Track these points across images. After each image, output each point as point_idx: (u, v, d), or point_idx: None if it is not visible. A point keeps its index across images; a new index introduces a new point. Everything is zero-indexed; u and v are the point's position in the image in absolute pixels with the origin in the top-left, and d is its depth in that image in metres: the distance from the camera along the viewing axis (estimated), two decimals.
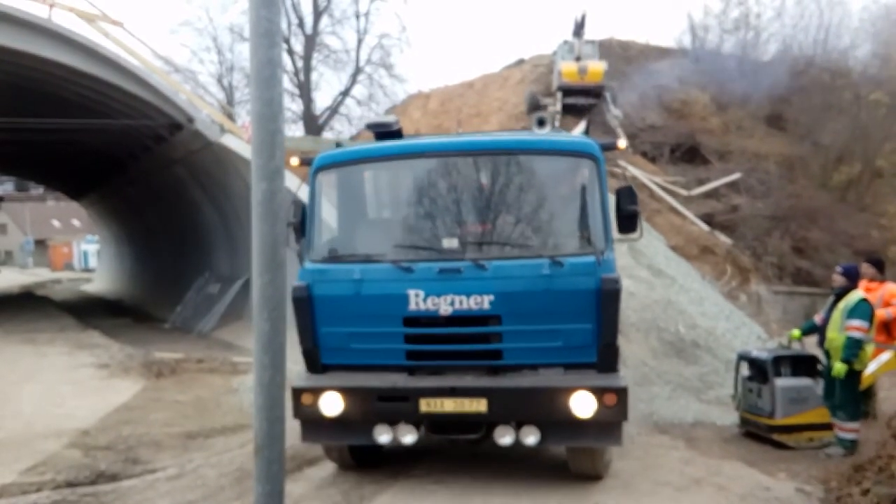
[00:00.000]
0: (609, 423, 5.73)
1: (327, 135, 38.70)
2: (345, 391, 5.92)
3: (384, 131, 6.66)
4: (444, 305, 5.78)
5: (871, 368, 7.53)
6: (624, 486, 6.29)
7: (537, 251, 5.90)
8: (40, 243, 61.28)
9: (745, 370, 7.99)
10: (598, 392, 5.63)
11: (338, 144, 6.94)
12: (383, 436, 5.96)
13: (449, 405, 5.77)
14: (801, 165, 24.83)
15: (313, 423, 6.11)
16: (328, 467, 6.95)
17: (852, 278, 7.38)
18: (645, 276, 12.73)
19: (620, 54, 30.19)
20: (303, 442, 6.35)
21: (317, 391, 5.98)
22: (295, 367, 10.85)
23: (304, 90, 39.67)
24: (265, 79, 2.50)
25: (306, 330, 6.09)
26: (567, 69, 24.73)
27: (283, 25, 37.96)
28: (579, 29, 26.15)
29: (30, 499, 6.12)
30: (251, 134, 2.55)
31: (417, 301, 5.81)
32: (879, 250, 18.29)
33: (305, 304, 6.02)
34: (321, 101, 44.25)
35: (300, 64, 39.37)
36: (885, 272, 8.50)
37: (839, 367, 7.03)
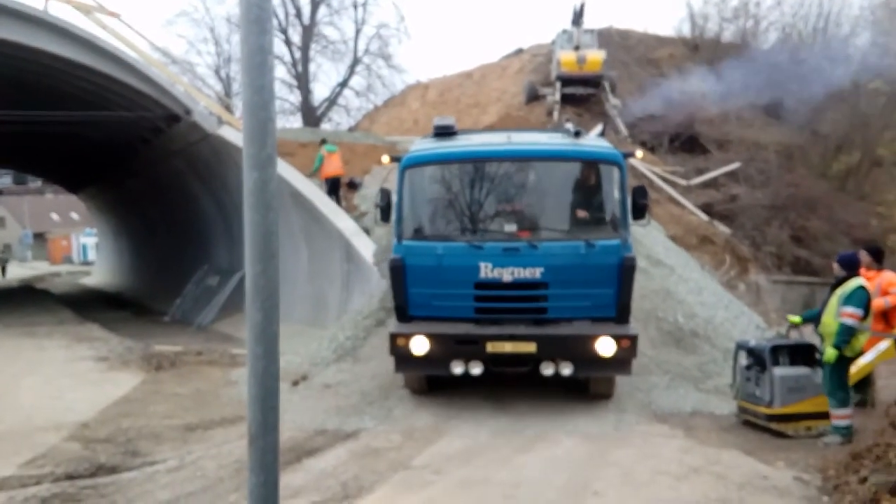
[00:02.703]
0: (623, 360, 7.89)
1: (326, 126, 38.62)
2: (430, 336, 7.88)
3: (443, 132, 8.62)
4: (506, 274, 7.81)
5: (869, 357, 7.52)
6: (623, 475, 6.31)
7: (575, 235, 7.93)
8: (39, 236, 61.30)
9: (743, 359, 7.98)
10: (617, 338, 7.74)
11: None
12: (458, 368, 7.96)
13: (508, 347, 7.82)
14: (800, 155, 24.78)
15: (404, 359, 8.06)
16: (327, 458, 6.97)
17: (851, 266, 7.36)
18: (644, 265, 12.69)
19: (620, 43, 30.11)
20: (395, 372, 8.45)
21: (408, 335, 7.90)
22: (294, 357, 10.87)
23: (302, 81, 39.54)
24: (256, 66, 2.47)
25: (399, 291, 8.10)
26: (566, 58, 24.64)
27: (281, 16, 37.80)
28: (578, 18, 26.04)
29: (29, 491, 6.11)
30: (243, 121, 2.53)
31: (486, 271, 7.82)
32: (878, 239, 18.29)
33: (399, 271, 8.03)
34: (319, 92, 44.18)
35: (298, 55, 39.23)
36: (884, 261, 8.49)
37: (829, 353, 7.10)
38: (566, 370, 7.88)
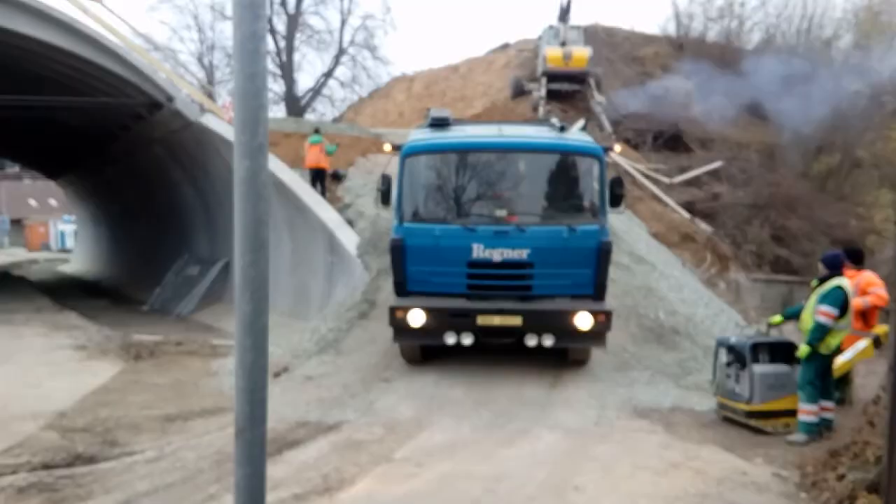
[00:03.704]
0: (599, 333, 8.72)
1: (310, 116, 38.37)
2: (426, 309, 8.62)
3: (439, 122, 9.38)
4: (496, 255, 8.60)
5: (847, 356, 7.62)
6: (604, 469, 6.35)
7: (558, 220, 8.76)
8: (16, 223, 60.31)
9: (723, 356, 8.04)
10: (594, 313, 8.59)
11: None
12: (451, 339, 8.68)
13: (496, 320, 8.62)
14: (781, 154, 24.99)
15: (402, 330, 8.80)
16: (309, 450, 6.94)
17: (834, 266, 7.45)
18: (626, 262, 12.77)
19: (605, 40, 30.14)
20: (393, 342, 9.11)
21: (406, 308, 8.65)
22: (276, 349, 10.81)
23: (287, 71, 39.25)
24: (249, 52, 2.44)
25: (399, 268, 8.85)
26: (552, 54, 24.62)
27: (266, 2, 37.45)
28: (565, 14, 26.01)
29: (5, 481, 6.03)
30: (234, 110, 2.49)
31: (478, 251, 8.60)
32: (858, 239, 18.48)
33: (399, 250, 8.78)
34: (304, 82, 43.78)
35: (282, 44, 38.94)
36: (864, 262, 8.59)
37: (803, 349, 7.23)
38: (548, 341, 8.69)
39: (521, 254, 8.58)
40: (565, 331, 8.63)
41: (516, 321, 8.61)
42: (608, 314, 8.66)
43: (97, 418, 7.93)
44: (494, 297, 8.71)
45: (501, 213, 8.77)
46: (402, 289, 8.92)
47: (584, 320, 8.54)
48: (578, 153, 8.97)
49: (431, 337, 8.76)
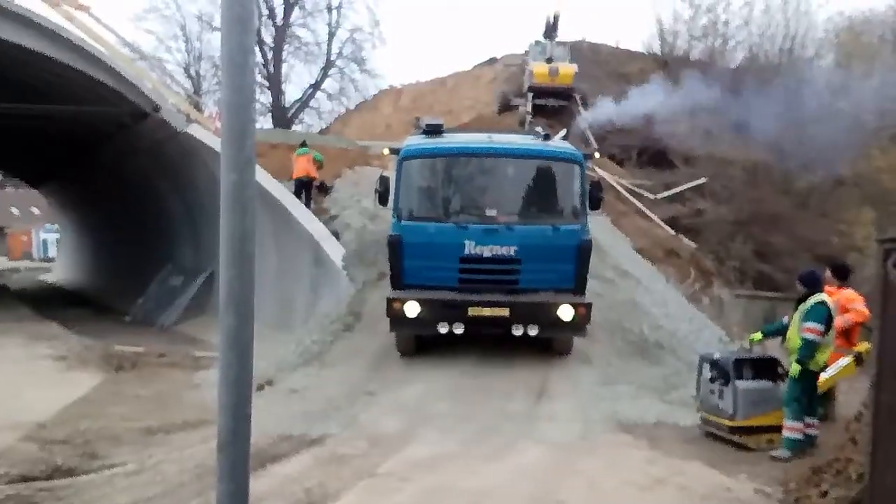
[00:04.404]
0: (580, 324, 9.47)
1: (297, 128, 38.32)
2: (421, 300, 9.30)
3: (432, 129, 10.13)
4: (486, 251, 9.31)
5: (829, 373, 7.66)
6: (589, 485, 6.33)
7: (543, 220, 9.56)
8: None
9: (707, 372, 8.05)
10: (575, 305, 9.36)
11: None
12: (443, 328, 9.32)
13: (486, 311, 9.31)
14: (764, 171, 25.21)
15: (398, 320, 9.46)
16: (292, 464, 6.88)
17: (811, 284, 7.50)
18: (611, 276, 12.83)
19: (591, 57, 30.38)
20: (390, 332, 9.76)
21: (402, 300, 9.34)
22: (259, 361, 10.72)
23: (274, 82, 39.20)
24: (238, 65, 2.43)
25: (396, 262, 9.52)
26: (538, 70, 24.77)
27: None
28: (551, 31, 26.21)
29: None
30: (221, 122, 2.48)
31: (470, 248, 9.30)
32: (839, 256, 18.64)
33: (397, 246, 9.47)
34: (291, 93, 43.57)
35: (270, 55, 38.89)
36: (849, 278, 8.64)
37: (793, 368, 7.24)
38: (533, 331, 9.39)
39: (509, 250, 9.31)
40: (549, 322, 9.34)
41: (504, 312, 9.30)
42: (588, 306, 9.45)
43: (77, 430, 7.82)
44: (484, 290, 9.40)
45: (491, 212, 9.51)
46: (398, 282, 9.58)
47: (566, 312, 9.32)
48: (561, 159, 9.78)
49: (426, 327, 9.41)
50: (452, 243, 9.31)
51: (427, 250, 9.38)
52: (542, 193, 9.96)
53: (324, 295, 12.80)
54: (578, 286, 9.53)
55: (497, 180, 9.77)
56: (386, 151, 10.55)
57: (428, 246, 9.37)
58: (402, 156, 9.62)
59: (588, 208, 9.60)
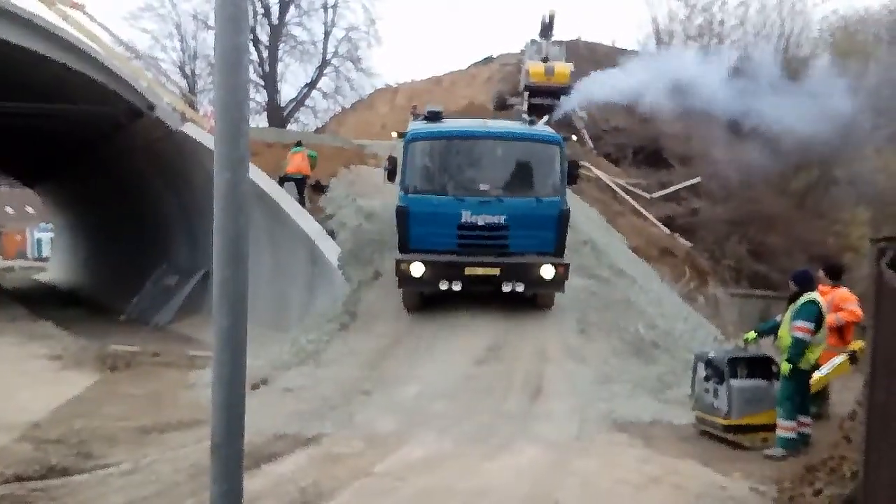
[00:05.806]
0: (559, 281, 10.97)
1: (292, 127, 38.21)
2: (425, 262, 10.70)
3: (433, 116, 11.59)
4: (480, 220, 10.81)
5: (823, 371, 7.69)
6: (585, 484, 6.34)
7: (528, 193, 11.11)
8: None
9: (702, 371, 8.08)
10: (555, 265, 10.86)
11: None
12: (444, 285, 10.74)
13: (480, 271, 10.78)
14: (760, 171, 25.24)
15: (405, 279, 10.82)
16: (286, 463, 6.87)
17: (803, 283, 7.52)
18: (606, 275, 12.84)
19: (587, 56, 30.35)
20: (398, 288, 11.15)
21: (409, 262, 10.73)
22: (254, 360, 10.72)
23: (270, 81, 39.08)
24: (231, 65, 2.42)
25: (403, 230, 10.98)
26: (534, 69, 24.73)
27: (249, 13, 37.34)
28: (547, 30, 26.18)
29: None
30: (215, 121, 2.47)
31: (466, 217, 10.80)
32: (835, 256, 18.68)
33: (404, 216, 10.95)
34: (286, 92, 43.40)
35: (266, 54, 38.76)
36: (841, 278, 8.67)
37: (784, 366, 7.27)
38: (519, 288, 10.81)
39: (500, 219, 10.81)
40: (533, 279, 10.84)
41: (495, 272, 10.80)
42: (566, 266, 11.02)
43: (72, 430, 7.79)
44: (478, 252, 10.87)
45: (485, 186, 10.97)
46: (405, 247, 11.00)
47: (547, 271, 10.80)
48: (544, 141, 11.37)
49: (429, 285, 10.86)
50: (451, 213, 10.77)
51: (429, 219, 10.81)
52: (527, 170, 11.48)
53: (319, 294, 12.78)
54: (558, 249, 11.06)
55: (489, 159, 11.29)
56: (394, 135, 12.07)
57: (430, 215, 10.81)
58: (408, 138, 11.11)
59: (566, 183, 11.12)
